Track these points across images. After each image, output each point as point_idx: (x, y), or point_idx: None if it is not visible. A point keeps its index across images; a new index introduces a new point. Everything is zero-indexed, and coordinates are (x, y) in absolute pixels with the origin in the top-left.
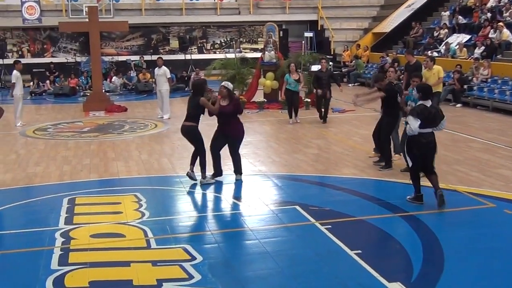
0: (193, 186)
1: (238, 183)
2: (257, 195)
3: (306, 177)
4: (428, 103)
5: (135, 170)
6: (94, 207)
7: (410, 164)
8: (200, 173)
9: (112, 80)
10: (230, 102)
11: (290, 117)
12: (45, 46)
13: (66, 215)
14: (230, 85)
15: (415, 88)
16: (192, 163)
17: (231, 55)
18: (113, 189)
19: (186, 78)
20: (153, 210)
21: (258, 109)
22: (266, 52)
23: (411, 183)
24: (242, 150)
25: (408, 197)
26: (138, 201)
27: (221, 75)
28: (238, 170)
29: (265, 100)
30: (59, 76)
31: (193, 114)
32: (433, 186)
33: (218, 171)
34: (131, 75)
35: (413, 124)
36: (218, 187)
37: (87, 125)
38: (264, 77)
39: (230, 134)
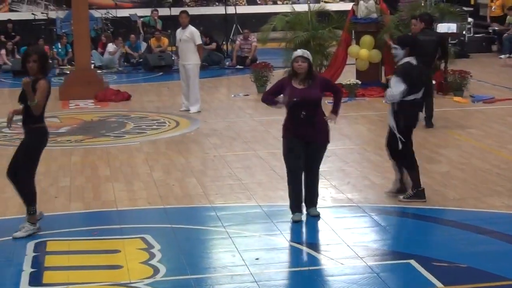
0: (239, 224)
1: (313, 221)
2: (344, 241)
3: (428, 212)
4: (414, 60)
5: (143, 197)
6: (76, 257)
7: (401, 146)
8: None
9: (107, 48)
10: (313, 82)
11: None
12: None
13: (32, 270)
14: (309, 55)
15: (395, 46)
16: None
17: (301, 7)
18: (108, 228)
19: (221, 45)
20: (172, 264)
21: (347, 97)
22: (361, 3)
23: (402, 175)
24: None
25: (401, 196)
26: (147, 249)
27: (286, 41)
28: (314, 199)
29: (359, 82)
30: (22, 43)
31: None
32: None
33: (298, 204)
34: (138, 40)
35: (396, 88)
36: (280, 227)
37: (66, 123)
38: (358, 43)
39: (316, 139)
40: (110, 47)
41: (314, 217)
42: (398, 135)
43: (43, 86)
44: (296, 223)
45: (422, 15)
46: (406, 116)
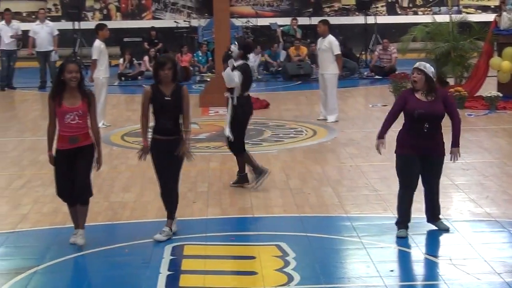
0: (375, 235)
1: (449, 235)
2: (481, 256)
3: None
4: (247, 62)
5: (279, 204)
6: (212, 262)
7: (232, 137)
8: None
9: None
10: (435, 97)
11: None
12: (143, 2)
13: (169, 272)
14: (429, 68)
15: (236, 43)
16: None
17: (442, 18)
18: (244, 234)
19: (360, 55)
20: (306, 272)
21: (488, 109)
22: (504, 14)
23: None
24: (456, 179)
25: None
26: (282, 256)
27: (426, 51)
28: (437, 213)
29: (500, 95)
30: (165, 50)
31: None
32: (238, 168)
33: (405, 221)
34: (277, 49)
35: (237, 78)
36: (415, 239)
37: (205, 130)
38: (499, 55)
39: (434, 152)
40: (251, 56)
41: (445, 231)
42: (228, 129)
43: (188, 93)
44: (432, 236)
45: None
46: (244, 109)
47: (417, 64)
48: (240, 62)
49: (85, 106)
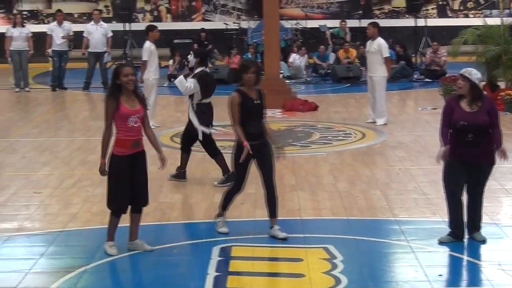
0: (423, 239)
1: (499, 240)
2: None
3: None
4: (207, 69)
5: (327, 207)
6: (260, 263)
7: (201, 137)
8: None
9: (290, 59)
10: (482, 105)
11: None
12: (193, 4)
13: (216, 273)
14: (474, 75)
15: (192, 53)
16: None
17: (494, 21)
18: (292, 236)
19: (410, 57)
20: (354, 275)
21: None
22: None
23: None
24: (506, 183)
25: (215, 182)
26: (330, 259)
27: (476, 54)
28: (478, 224)
29: None
30: (214, 51)
31: None
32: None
33: (459, 231)
34: (326, 51)
35: (194, 85)
36: (465, 244)
37: None
38: None
39: (481, 161)
40: (294, 57)
41: (482, 242)
42: (201, 128)
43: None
44: (481, 242)
45: None
46: (204, 116)
47: (462, 70)
48: (198, 69)
49: (143, 109)
